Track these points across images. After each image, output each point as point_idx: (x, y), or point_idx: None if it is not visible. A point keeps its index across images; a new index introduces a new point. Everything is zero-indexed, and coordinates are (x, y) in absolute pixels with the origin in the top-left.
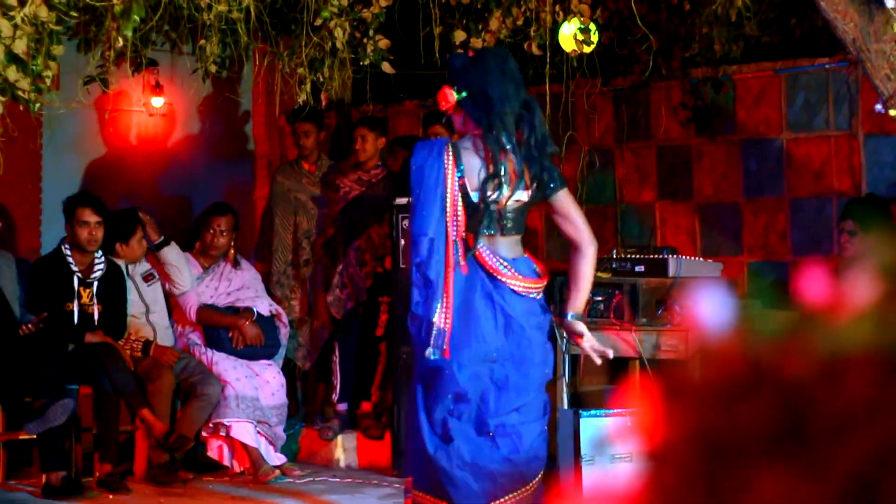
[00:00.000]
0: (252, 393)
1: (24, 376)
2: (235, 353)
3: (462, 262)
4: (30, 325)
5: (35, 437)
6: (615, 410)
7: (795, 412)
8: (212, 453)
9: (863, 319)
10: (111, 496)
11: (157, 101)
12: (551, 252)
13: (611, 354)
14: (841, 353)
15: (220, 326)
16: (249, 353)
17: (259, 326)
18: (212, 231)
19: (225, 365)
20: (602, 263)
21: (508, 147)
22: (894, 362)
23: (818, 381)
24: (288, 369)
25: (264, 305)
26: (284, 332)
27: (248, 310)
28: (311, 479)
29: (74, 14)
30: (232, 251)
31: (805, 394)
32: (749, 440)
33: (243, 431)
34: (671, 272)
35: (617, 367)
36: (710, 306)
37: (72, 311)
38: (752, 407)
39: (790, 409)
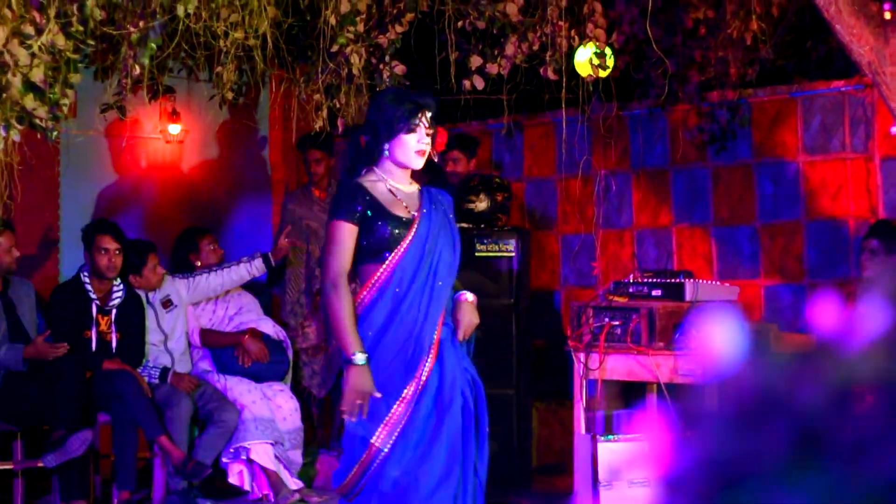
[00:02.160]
0: (269, 414)
1: (43, 405)
2: (245, 372)
3: None
4: (54, 346)
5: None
6: (632, 435)
7: (808, 439)
8: (233, 479)
9: (875, 346)
10: None
11: (174, 128)
12: (567, 276)
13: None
14: (853, 380)
15: (223, 346)
16: (258, 372)
17: (262, 341)
18: (204, 252)
19: (240, 389)
20: (619, 287)
21: None
22: None
23: (831, 407)
24: (304, 396)
25: (268, 326)
26: (289, 355)
27: (253, 330)
28: None
29: (91, 42)
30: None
31: (818, 421)
32: (762, 467)
33: (263, 454)
34: (688, 296)
35: (634, 392)
36: (722, 333)
37: (90, 339)
38: (766, 434)
39: (803, 435)
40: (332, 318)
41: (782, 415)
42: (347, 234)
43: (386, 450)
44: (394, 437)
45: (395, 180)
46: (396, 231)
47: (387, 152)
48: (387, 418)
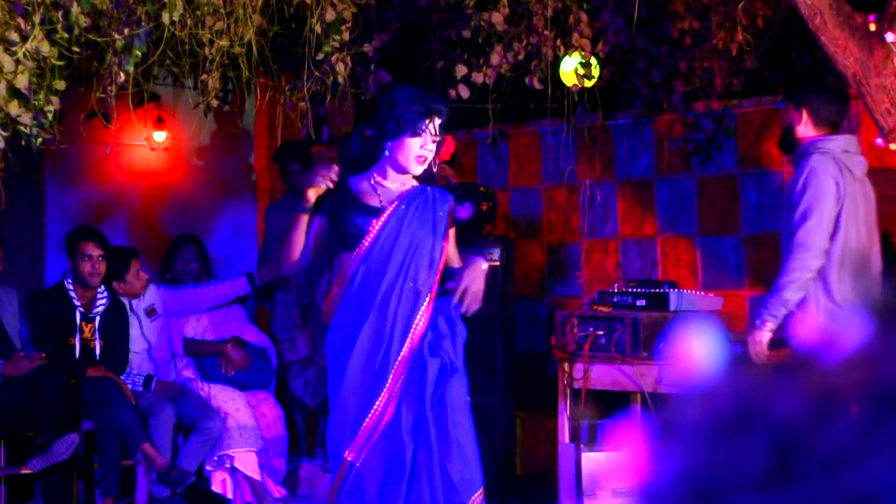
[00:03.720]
0: (253, 422)
1: (27, 411)
2: (229, 380)
3: None
4: (31, 358)
5: (37, 472)
6: (616, 445)
7: (786, 451)
8: (216, 487)
9: (854, 359)
10: None
11: (160, 136)
12: (552, 286)
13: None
14: (832, 393)
15: (206, 355)
16: (242, 380)
17: (244, 349)
18: (182, 260)
19: (224, 397)
20: (603, 297)
21: None
22: (885, 401)
23: (809, 419)
24: (288, 404)
25: (252, 334)
26: (273, 363)
27: (236, 338)
28: None
29: (76, 49)
30: (204, 279)
31: (796, 433)
32: (740, 479)
33: (247, 462)
34: (672, 306)
35: (619, 402)
36: (702, 344)
37: (73, 346)
38: (744, 446)
39: (781, 447)
40: (286, 240)
41: (760, 427)
42: (312, 223)
43: (358, 464)
44: (366, 451)
45: (382, 178)
46: (361, 219)
47: (387, 152)
48: (359, 431)
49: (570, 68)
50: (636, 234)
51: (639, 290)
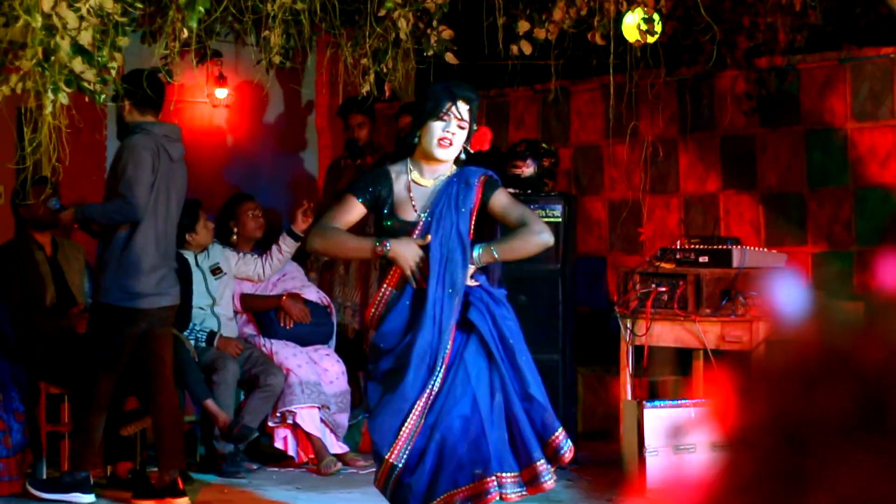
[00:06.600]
0: (315, 378)
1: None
2: (290, 336)
3: None
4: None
5: (100, 429)
6: (680, 401)
7: (873, 400)
8: (278, 443)
9: None
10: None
11: (221, 93)
12: (614, 242)
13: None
14: None
15: (263, 309)
16: (303, 334)
17: (301, 302)
18: (249, 215)
19: (286, 353)
20: (666, 254)
21: None
22: None
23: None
24: (352, 359)
25: (312, 293)
26: (333, 319)
27: (292, 293)
28: (374, 469)
29: (139, 5)
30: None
31: (883, 382)
32: (827, 428)
33: (308, 419)
34: (735, 263)
35: (680, 359)
36: (785, 294)
37: None
38: (830, 395)
39: (868, 397)
40: (336, 249)
41: (846, 375)
42: (350, 205)
43: (400, 465)
44: (408, 450)
45: (418, 174)
46: (399, 233)
47: (417, 139)
48: (400, 433)
49: (632, 24)
50: (699, 190)
51: (701, 246)
